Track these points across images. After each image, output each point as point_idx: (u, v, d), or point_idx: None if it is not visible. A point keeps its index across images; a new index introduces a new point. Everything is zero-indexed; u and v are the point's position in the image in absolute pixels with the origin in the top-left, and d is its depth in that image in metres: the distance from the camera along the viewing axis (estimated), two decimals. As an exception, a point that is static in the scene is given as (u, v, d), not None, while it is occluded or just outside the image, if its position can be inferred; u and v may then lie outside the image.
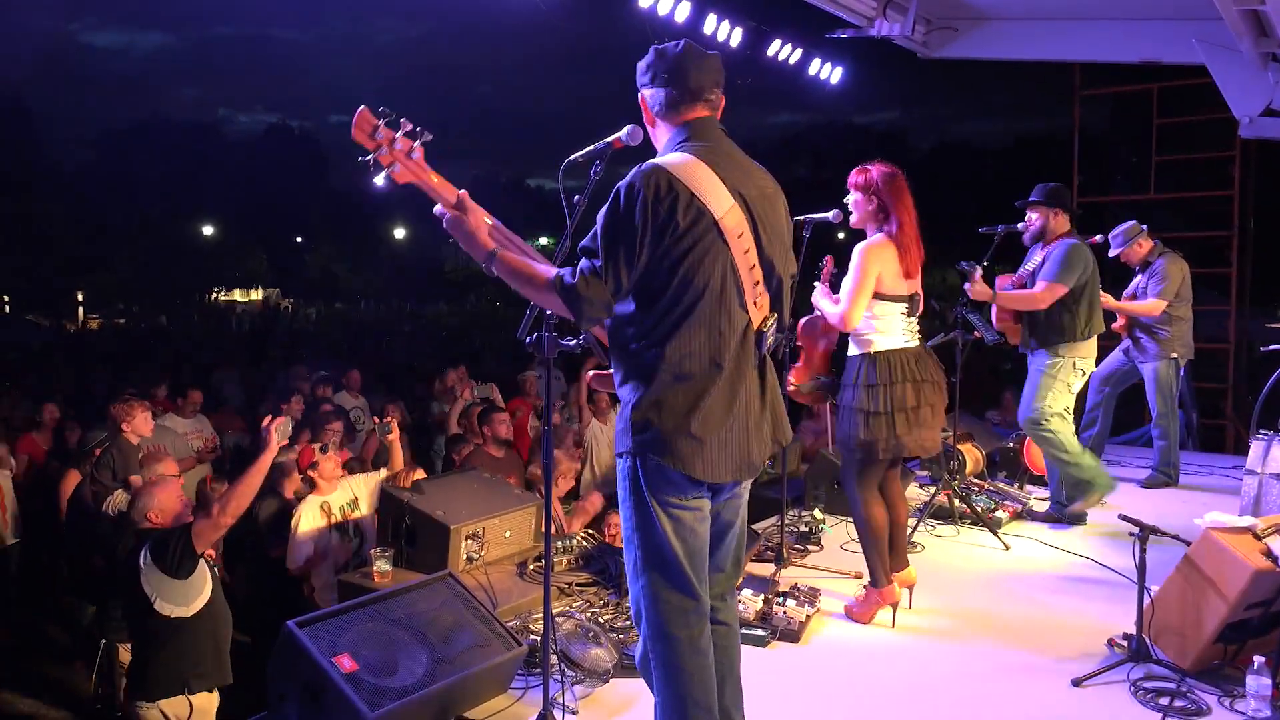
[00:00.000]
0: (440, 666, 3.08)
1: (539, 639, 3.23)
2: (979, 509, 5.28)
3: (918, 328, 3.91)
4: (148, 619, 3.62)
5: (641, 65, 2.58)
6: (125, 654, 4.43)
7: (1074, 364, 5.17)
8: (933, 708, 3.28)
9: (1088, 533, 5.21)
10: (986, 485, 5.93)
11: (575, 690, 3.25)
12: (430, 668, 3.06)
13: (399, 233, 47.95)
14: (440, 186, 2.53)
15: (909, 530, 4.96)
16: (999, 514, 5.32)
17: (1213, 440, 9.25)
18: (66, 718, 5.21)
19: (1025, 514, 5.52)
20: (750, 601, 3.81)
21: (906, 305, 3.83)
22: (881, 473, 3.90)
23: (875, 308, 3.79)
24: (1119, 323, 6.31)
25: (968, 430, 6.15)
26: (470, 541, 4.15)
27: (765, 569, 4.42)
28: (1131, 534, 3.47)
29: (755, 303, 2.46)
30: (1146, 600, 3.42)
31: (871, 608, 3.94)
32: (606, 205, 2.38)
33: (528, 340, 2.70)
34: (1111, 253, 6.28)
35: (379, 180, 2.47)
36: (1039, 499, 5.71)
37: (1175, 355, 6.16)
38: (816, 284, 4.05)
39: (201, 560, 3.66)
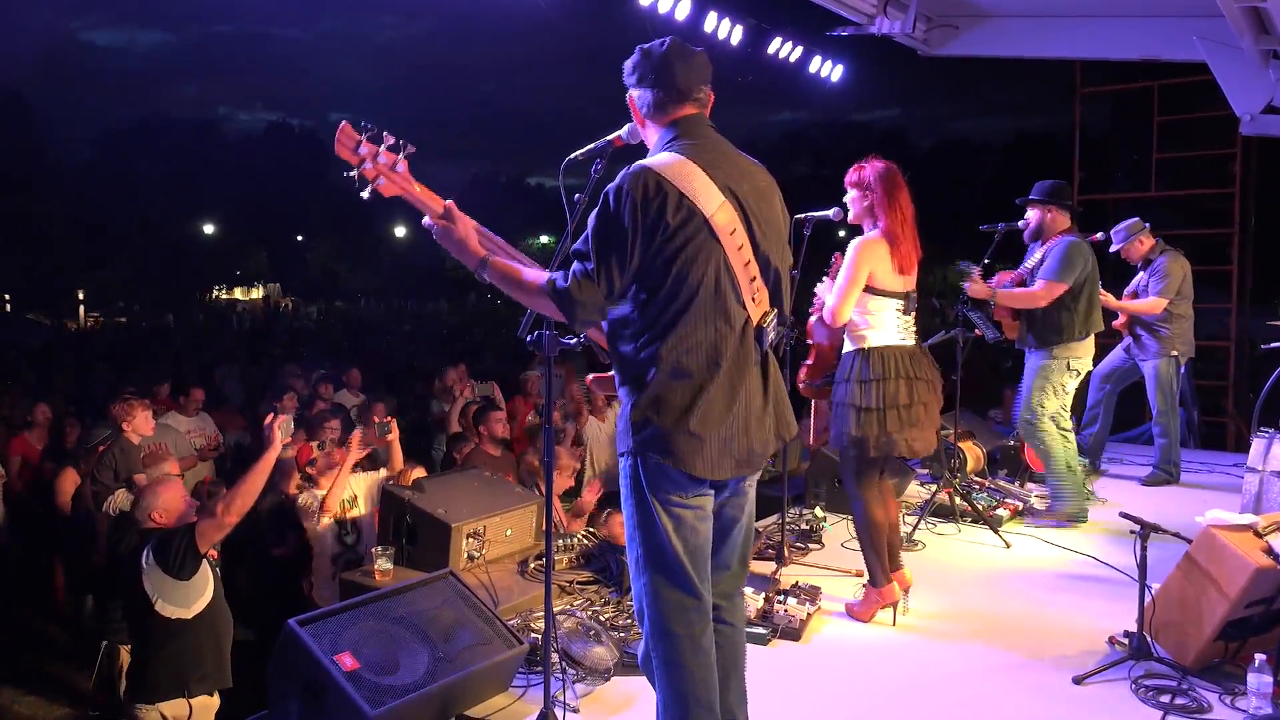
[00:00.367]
0: (441, 665, 3.08)
1: (540, 637, 3.23)
2: (980, 507, 5.28)
3: (914, 326, 3.90)
4: (147, 619, 3.60)
5: (628, 65, 2.57)
6: (126, 656, 4.42)
7: (1068, 364, 5.17)
8: (934, 705, 3.28)
9: (1089, 531, 5.21)
10: (987, 483, 5.93)
11: (576, 688, 3.25)
12: (431, 666, 3.06)
13: (399, 231, 47.94)
14: (426, 197, 2.55)
15: (910, 529, 4.98)
16: (1000, 512, 5.32)
17: (1214, 438, 9.24)
18: (67, 716, 5.21)
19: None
20: (751, 600, 3.81)
21: (902, 302, 3.82)
22: (879, 471, 3.90)
23: (870, 303, 3.78)
24: (1120, 320, 6.31)
25: (969, 428, 6.15)
26: (471, 540, 4.16)
27: (766, 567, 4.42)
28: (1132, 532, 3.47)
29: (753, 299, 2.46)
30: (1147, 598, 3.42)
31: (872, 607, 3.94)
32: (596, 208, 2.39)
33: (528, 339, 2.70)
34: (1112, 249, 6.28)
35: (365, 195, 2.49)
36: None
37: (1176, 353, 6.16)
38: (825, 279, 4.02)
39: (204, 561, 3.64)
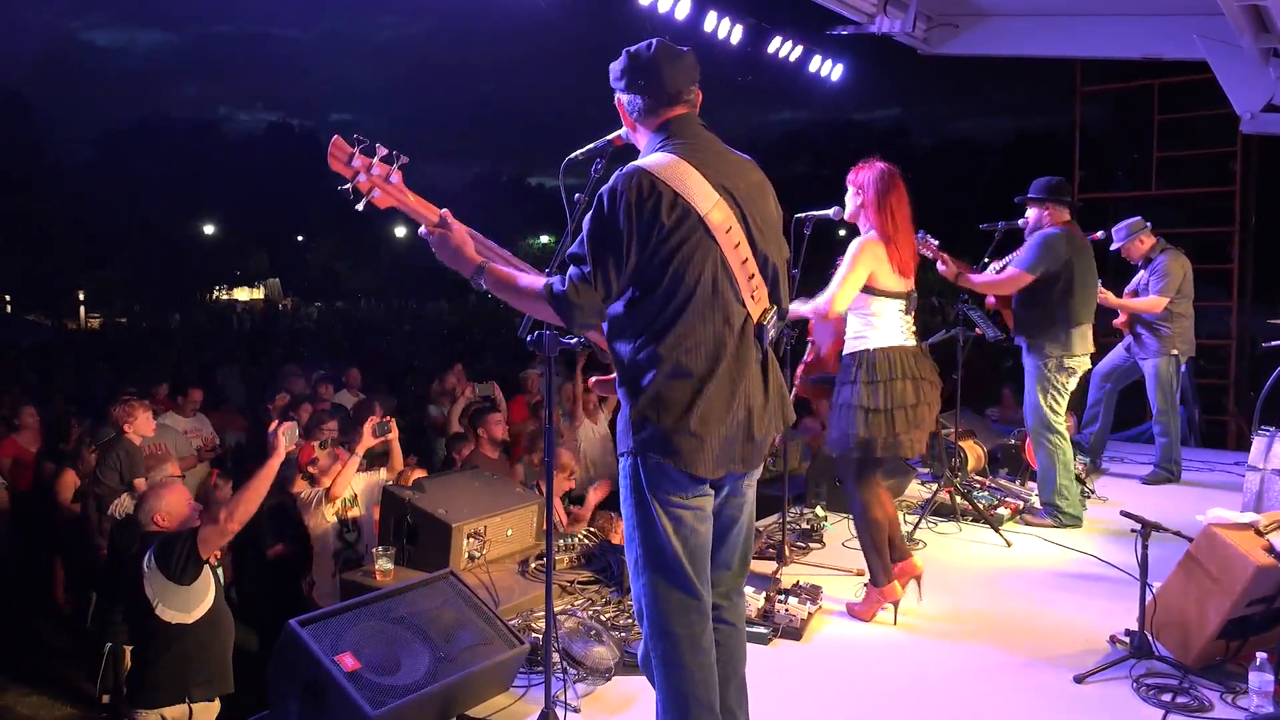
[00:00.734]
0: (442, 665, 3.08)
1: (541, 637, 3.23)
2: (981, 506, 5.28)
3: (914, 326, 3.91)
4: (148, 623, 3.59)
5: (615, 69, 2.55)
6: (130, 659, 4.41)
7: (1061, 363, 5.16)
8: (935, 704, 3.28)
9: (1089, 529, 5.20)
10: (988, 482, 5.93)
11: (577, 688, 3.25)
12: (432, 666, 3.06)
13: (399, 231, 47.93)
14: (420, 207, 2.55)
15: (911, 528, 4.98)
16: (1000, 511, 5.32)
17: (1215, 436, 9.25)
18: (70, 717, 5.21)
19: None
20: (752, 599, 3.80)
21: (904, 302, 3.82)
22: (879, 471, 3.90)
23: (873, 305, 3.78)
24: (1120, 319, 6.31)
25: (969, 427, 6.15)
26: (472, 540, 4.16)
27: (767, 566, 4.42)
28: (1133, 530, 3.47)
29: (752, 296, 2.45)
30: (1148, 597, 3.42)
31: (873, 606, 3.94)
32: (591, 211, 2.38)
33: (529, 339, 2.70)
34: (1113, 247, 6.28)
35: (359, 207, 2.50)
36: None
37: (1176, 352, 6.16)
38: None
39: (205, 566, 3.64)
